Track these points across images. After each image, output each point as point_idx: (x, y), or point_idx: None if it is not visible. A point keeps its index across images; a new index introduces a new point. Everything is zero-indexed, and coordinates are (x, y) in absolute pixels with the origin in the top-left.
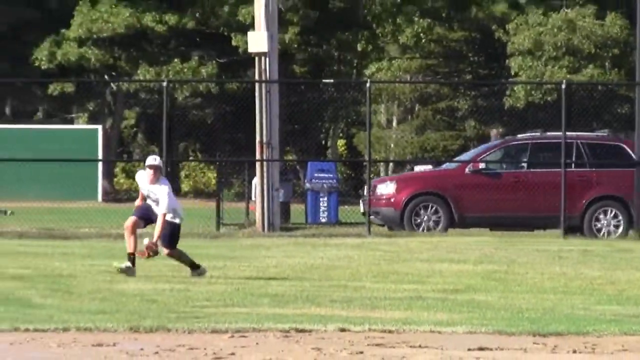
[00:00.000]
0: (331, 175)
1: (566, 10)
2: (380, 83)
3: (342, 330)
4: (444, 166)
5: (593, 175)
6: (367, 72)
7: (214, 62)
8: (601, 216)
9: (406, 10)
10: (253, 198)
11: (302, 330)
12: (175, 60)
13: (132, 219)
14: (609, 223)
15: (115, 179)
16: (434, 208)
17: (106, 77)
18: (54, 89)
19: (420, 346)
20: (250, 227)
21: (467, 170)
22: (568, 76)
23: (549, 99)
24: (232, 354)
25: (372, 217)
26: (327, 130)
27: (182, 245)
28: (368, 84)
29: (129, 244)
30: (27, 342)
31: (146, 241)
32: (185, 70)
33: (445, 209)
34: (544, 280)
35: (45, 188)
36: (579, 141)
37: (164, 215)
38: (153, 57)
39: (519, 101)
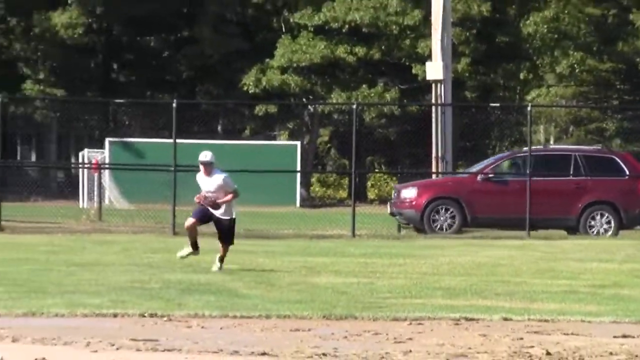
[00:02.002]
0: None
1: None
2: (540, 107)
3: (505, 319)
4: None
5: (588, 183)
6: (528, 97)
7: (396, 87)
8: (595, 219)
9: (562, 44)
10: None
11: (471, 319)
12: (364, 86)
13: (191, 220)
14: (602, 224)
15: (311, 187)
16: (450, 210)
17: (304, 100)
18: (259, 110)
19: (572, 333)
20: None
21: (478, 177)
22: None
23: None
24: (410, 338)
25: (396, 217)
26: (493, 147)
27: (368, 244)
28: (529, 108)
29: (190, 237)
30: (234, 327)
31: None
32: (372, 94)
33: (459, 211)
34: None
35: (251, 195)
36: (576, 154)
37: (233, 195)
38: (344, 83)
39: None
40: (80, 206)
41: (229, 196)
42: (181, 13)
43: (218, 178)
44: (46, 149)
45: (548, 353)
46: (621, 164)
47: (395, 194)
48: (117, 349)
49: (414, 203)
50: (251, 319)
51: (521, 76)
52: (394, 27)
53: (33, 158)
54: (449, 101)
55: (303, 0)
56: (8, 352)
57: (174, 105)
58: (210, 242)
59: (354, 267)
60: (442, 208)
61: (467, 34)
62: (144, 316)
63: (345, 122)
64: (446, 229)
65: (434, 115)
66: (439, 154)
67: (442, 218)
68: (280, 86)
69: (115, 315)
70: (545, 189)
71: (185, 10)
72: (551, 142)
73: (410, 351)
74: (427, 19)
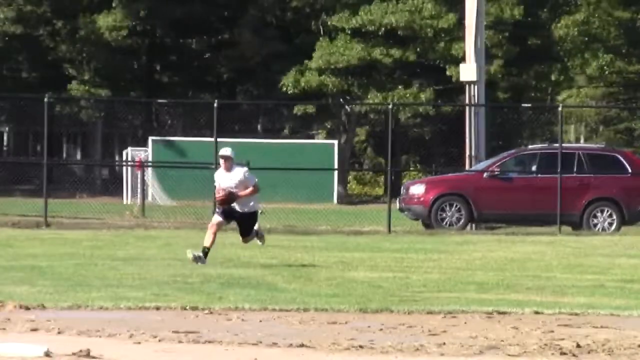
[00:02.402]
0: None
1: None
2: (570, 107)
3: (536, 312)
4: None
5: (591, 180)
6: (559, 98)
7: (431, 88)
8: (598, 214)
9: (592, 47)
10: None
11: (503, 313)
12: (399, 87)
13: (218, 219)
14: (605, 220)
15: (348, 185)
16: (456, 206)
17: (341, 100)
18: (298, 109)
19: (601, 327)
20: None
21: (485, 174)
22: None
23: None
24: (444, 331)
25: (405, 213)
26: (525, 146)
27: (403, 240)
28: (560, 108)
29: (208, 239)
30: (273, 319)
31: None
32: (407, 95)
33: (466, 207)
34: None
35: (290, 192)
36: (580, 152)
37: (254, 189)
38: (380, 84)
39: None
40: (124, 202)
41: (249, 189)
42: (222, 16)
43: (239, 173)
44: (91, 148)
45: (578, 345)
46: (624, 161)
47: (404, 191)
48: (160, 340)
49: (422, 199)
50: (289, 312)
51: (552, 77)
52: (429, 30)
53: (78, 156)
54: (482, 102)
55: (340, 3)
56: (54, 344)
57: (215, 105)
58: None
59: (390, 262)
60: (449, 204)
61: (500, 36)
62: (186, 309)
63: (381, 122)
64: (453, 225)
65: (467, 115)
66: (472, 153)
67: (449, 214)
68: (318, 87)
69: (157, 308)
70: (548, 185)
71: (226, 14)
72: (581, 141)
73: (444, 343)
74: (461, 22)
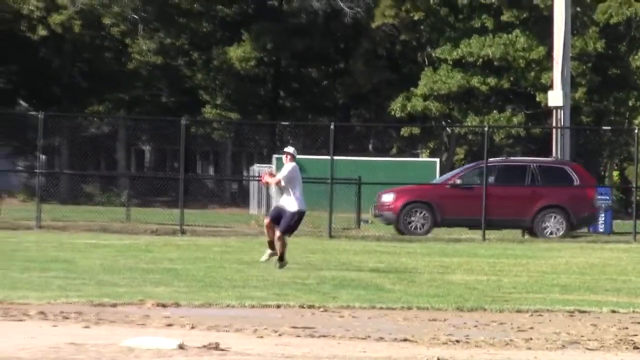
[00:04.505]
0: (607, 197)
1: None
2: None
3: (613, 311)
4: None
5: (542, 189)
6: (636, 121)
7: (522, 113)
8: (547, 221)
9: None
10: None
11: (583, 312)
12: (494, 111)
13: (266, 221)
14: (553, 225)
15: None
16: (422, 212)
17: (443, 123)
18: (404, 131)
19: None
20: None
21: (447, 184)
22: None
23: None
24: (531, 327)
25: (377, 218)
26: (605, 164)
27: (496, 247)
28: (636, 131)
29: (269, 236)
30: (380, 317)
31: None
32: (501, 118)
33: (430, 213)
34: None
35: None
36: (532, 164)
37: (277, 180)
38: (477, 109)
39: None
40: (250, 213)
41: (276, 178)
42: (338, 48)
43: (286, 167)
44: (222, 164)
45: None
46: (570, 173)
47: (377, 199)
48: (280, 335)
49: (391, 206)
50: (394, 310)
51: (630, 103)
52: (521, 60)
53: (211, 171)
54: (568, 125)
55: (443, 37)
56: (187, 337)
57: (332, 127)
58: (337, 244)
59: (484, 266)
60: (415, 210)
61: (584, 67)
62: (303, 307)
63: (478, 142)
64: (419, 229)
65: (554, 136)
66: None
67: (415, 219)
68: (423, 111)
69: (278, 307)
70: (504, 194)
71: (341, 46)
72: None
73: (531, 339)
74: (549, 54)
